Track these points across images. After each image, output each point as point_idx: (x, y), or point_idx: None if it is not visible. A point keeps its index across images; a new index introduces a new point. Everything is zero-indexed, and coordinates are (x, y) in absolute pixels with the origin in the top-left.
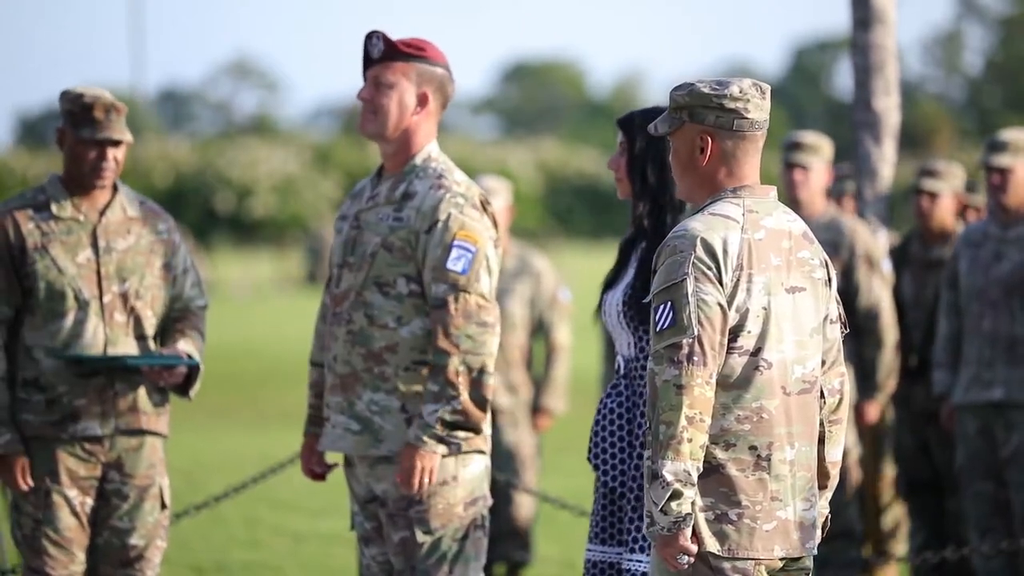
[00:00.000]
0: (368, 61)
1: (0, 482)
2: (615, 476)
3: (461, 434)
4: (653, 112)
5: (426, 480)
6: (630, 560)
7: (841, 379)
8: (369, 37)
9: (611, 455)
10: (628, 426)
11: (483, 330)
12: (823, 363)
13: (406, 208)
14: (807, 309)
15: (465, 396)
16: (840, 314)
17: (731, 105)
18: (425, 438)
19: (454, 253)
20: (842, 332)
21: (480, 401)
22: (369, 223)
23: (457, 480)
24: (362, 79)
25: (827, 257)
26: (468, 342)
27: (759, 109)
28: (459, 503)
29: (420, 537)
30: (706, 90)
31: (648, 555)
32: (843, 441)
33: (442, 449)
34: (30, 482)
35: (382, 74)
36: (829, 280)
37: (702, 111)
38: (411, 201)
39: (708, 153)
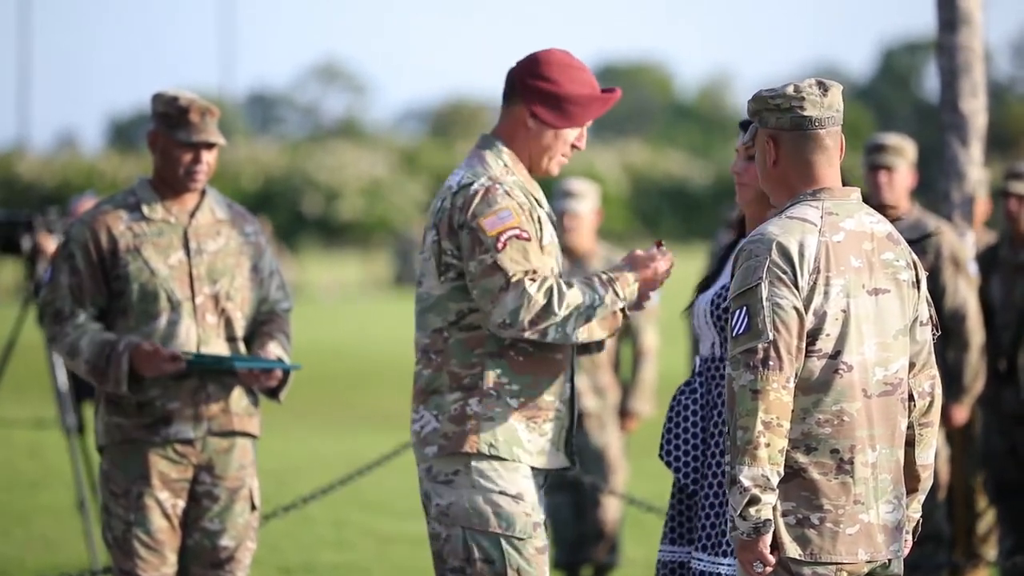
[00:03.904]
0: None
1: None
2: (687, 473)
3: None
4: None
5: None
6: (696, 559)
7: (932, 382)
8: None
9: (684, 451)
10: (702, 423)
11: None
12: (913, 365)
13: None
14: (892, 311)
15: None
16: (932, 316)
17: (786, 105)
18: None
19: None
20: (933, 335)
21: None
22: None
23: None
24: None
25: (916, 259)
26: None
27: (816, 106)
28: None
29: None
30: (765, 93)
31: (710, 555)
32: (934, 444)
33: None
34: (172, 352)
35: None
36: (918, 282)
37: (766, 115)
38: None
39: (774, 156)
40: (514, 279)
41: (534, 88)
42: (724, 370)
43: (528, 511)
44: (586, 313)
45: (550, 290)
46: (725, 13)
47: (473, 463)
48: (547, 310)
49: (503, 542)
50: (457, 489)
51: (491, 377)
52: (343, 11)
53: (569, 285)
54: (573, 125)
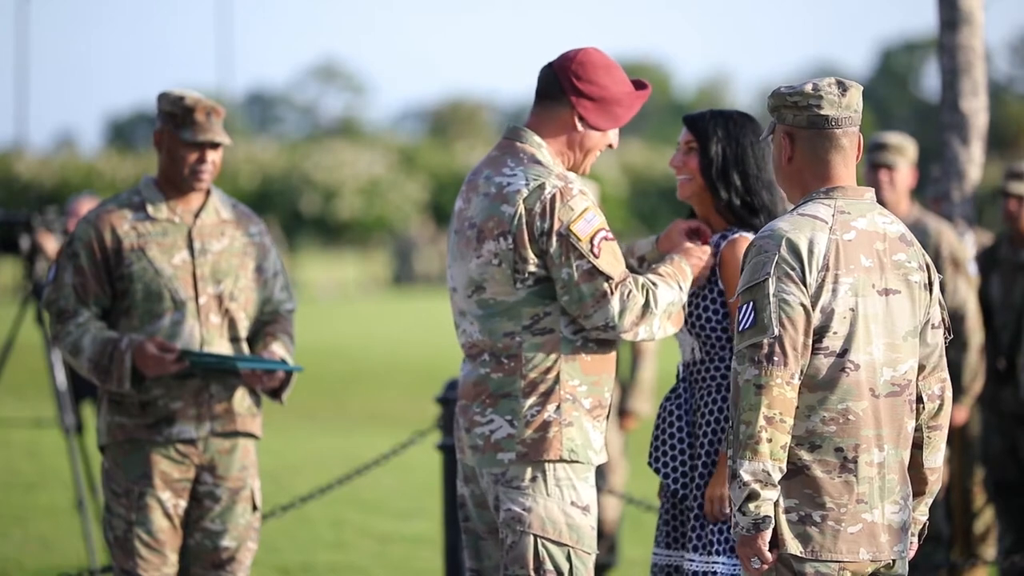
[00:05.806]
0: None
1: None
2: (676, 479)
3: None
4: (723, 114)
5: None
6: (689, 560)
7: (942, 385)
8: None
9: (671, 457)
10: (688, 428)
11: None
12: (923, 368)
13: None
14: (902, 312)
15: None
16: (944, 319)
17: (804, 103)
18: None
19: None
20: (945, 338)
21: None
22: None
23: None
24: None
25: (929, 261)
26: None
27: (834, 106)
28: None
29: None
30: (784, 90)
31: (702, 555)
32: (943, 448)
33: None
34: (174, 348)
35: None
36: (930, 284)
37: (783, 111)
38: None
39: (790, 153)
40: (616, 282)
41: (582, 92)
42: (704, 374)
43: (593, 524)
44: (669, 309)
45: (646, 289)
46: (723, 13)
47: (550, 470)
48: (647, 309)
49: (572, 555)
50: (532, 496)
51: (567, 382)
52: (341, 11)
53: (654, 283)
54: (618, 125)
